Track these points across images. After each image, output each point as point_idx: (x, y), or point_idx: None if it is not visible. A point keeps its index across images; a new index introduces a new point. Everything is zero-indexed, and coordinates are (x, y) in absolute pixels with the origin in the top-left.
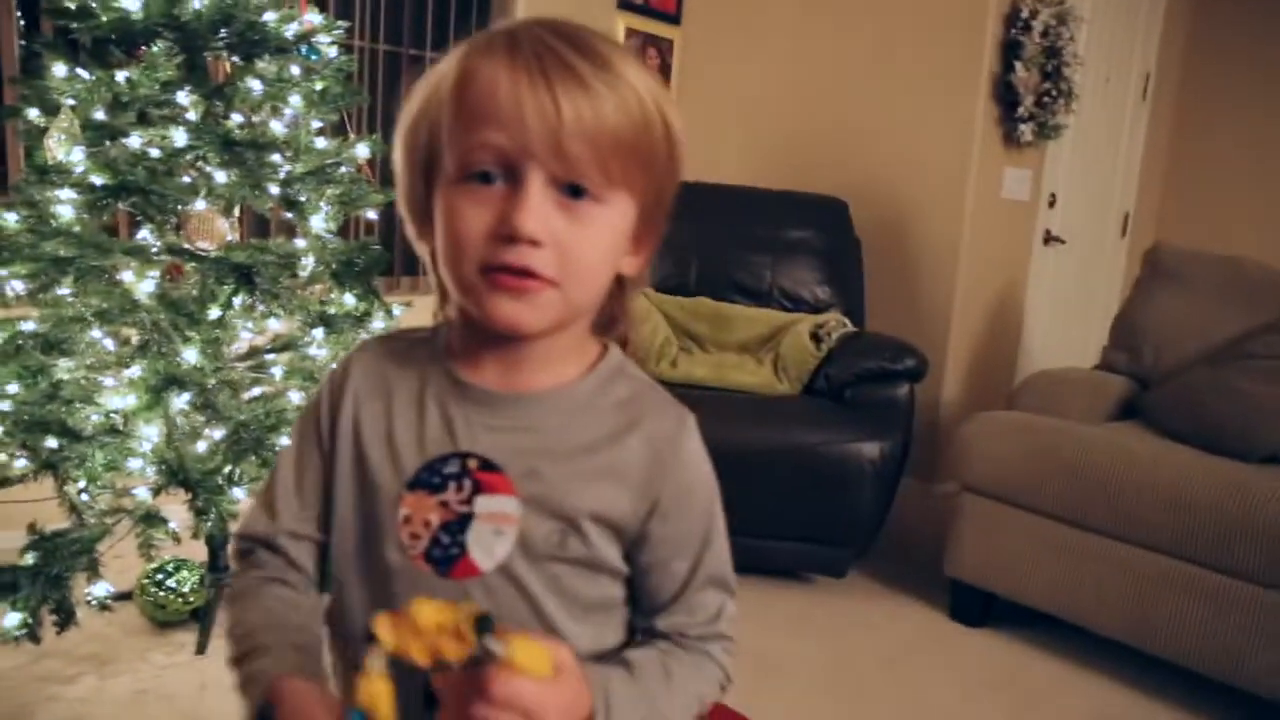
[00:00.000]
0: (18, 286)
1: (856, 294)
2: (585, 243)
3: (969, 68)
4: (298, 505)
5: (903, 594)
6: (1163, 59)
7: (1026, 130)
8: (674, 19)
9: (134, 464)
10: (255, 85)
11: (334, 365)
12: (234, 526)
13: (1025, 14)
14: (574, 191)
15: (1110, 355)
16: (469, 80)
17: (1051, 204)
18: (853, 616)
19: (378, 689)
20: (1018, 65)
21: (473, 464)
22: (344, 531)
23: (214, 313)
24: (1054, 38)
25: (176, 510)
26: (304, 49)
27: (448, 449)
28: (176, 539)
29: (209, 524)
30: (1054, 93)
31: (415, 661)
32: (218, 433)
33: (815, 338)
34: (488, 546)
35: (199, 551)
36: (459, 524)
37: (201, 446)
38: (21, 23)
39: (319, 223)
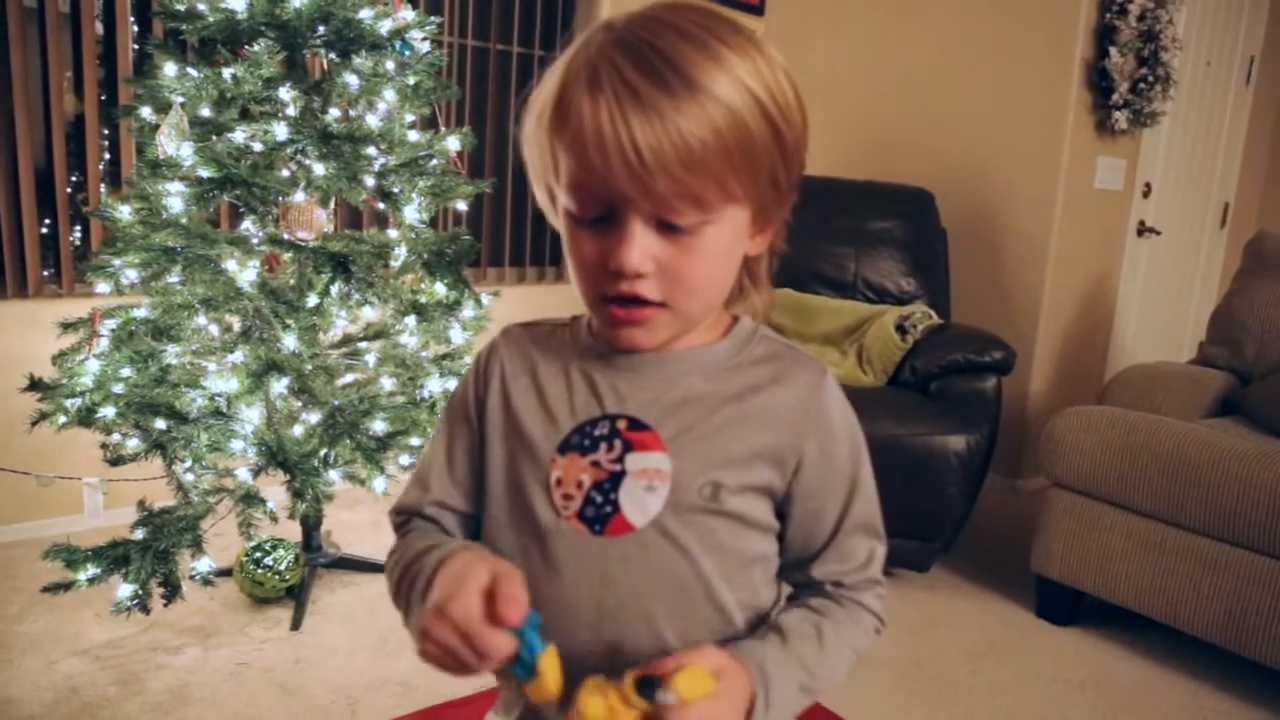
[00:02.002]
0: (131, 275)
1: (942, 286)
2: (691, 266)
3: (1060, 54)
4: (448, 480)
5: (988, 590)
6: (1269, 41)
7: (1121, 118)
8: (758, 10)
9: (236, 445)
10: (352, 80)
11: (477, 353)
12: (327, 508)
13: None
14: (671, 227)
15: (1208, 349)
16: (562, 117)
17: (1146, 194)
18: (937, 612)
19: None
20: (1112, 51)
21: (622, 424)
22: (497, 502)
23: (312, 300)
24: (1151, 21)
25: (274, 491)
26: (398, 45)
27: (596, 413)
28: (274, 518)
29: (304, 505)
30: (1150, 79)
31: None
32: (314, 417)
33: (900, 329)
34: (640, 502)
35: (295, 532)
36: (611, 482)
37: (298, 430)
38: (135, 27)
39: (412, 213)
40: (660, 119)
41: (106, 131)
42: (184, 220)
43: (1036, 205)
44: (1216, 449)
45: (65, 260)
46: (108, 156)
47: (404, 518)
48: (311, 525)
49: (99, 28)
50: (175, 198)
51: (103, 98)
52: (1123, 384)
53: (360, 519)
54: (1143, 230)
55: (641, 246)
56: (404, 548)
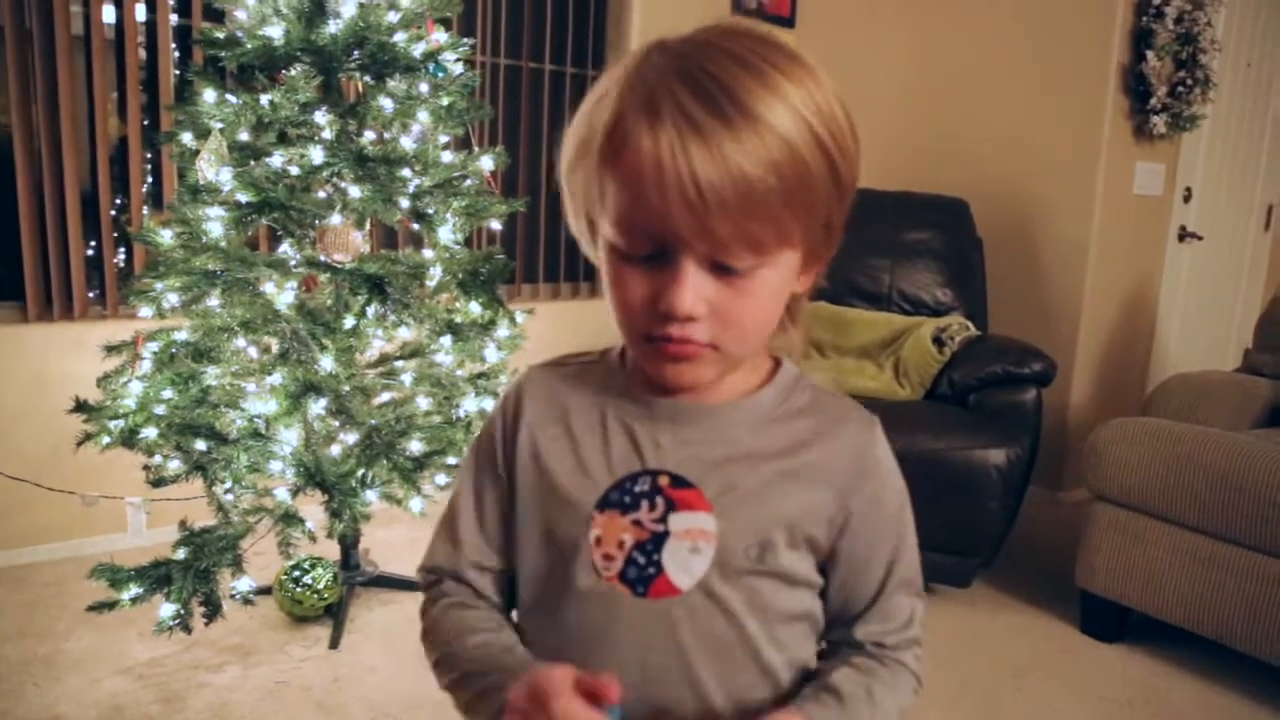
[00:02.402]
0: (173, 299)
1: (979, 296)
2: (743, 309)
3: (1096, 58)
4: (480, 537)
5: (1031, 606)
6: None
7: (1159, 122)
8: (788, 22)
9: (274, 466)
10: (386, 103)
11: (501, 393)
12: (365, 526)
13: (1157, 0)
14: (725, 269)
15: (1255, 357)
16: (617, 148)
17: (1187, 199)
18: (979, 629)
19: None
20: (1149, 54)
21: (664, 481)
22: (530, 558)
23: (349, 321)
24: (1189, 23)
25: (313, 511)
26: (431, 67)
27: (636, 467)
28: (312, 538)
29: (342, 525)
30: (1189, 82)
31: None
32: (351, 437)
33: (937, 341)
34: (685, 564)
35: (333, 551)
36: (654, 543)
37: (336, 450)
38: (176, 53)
39: (446, 233)
40: (721, 155)
41: (149, 155)
42: (223, 244)
43: (1074, 213)
44: (1267, 460)
45: (110, 282)
46: (150, 180)
47: (435, 577)
48: (349, 544)
49: (142, 54)
50: (215, 222)
51: (145, 122)
52: (1166, 394)
53: (398, 537)
54: (1184, 236)
55: (695, 289)
56: (448, 641)
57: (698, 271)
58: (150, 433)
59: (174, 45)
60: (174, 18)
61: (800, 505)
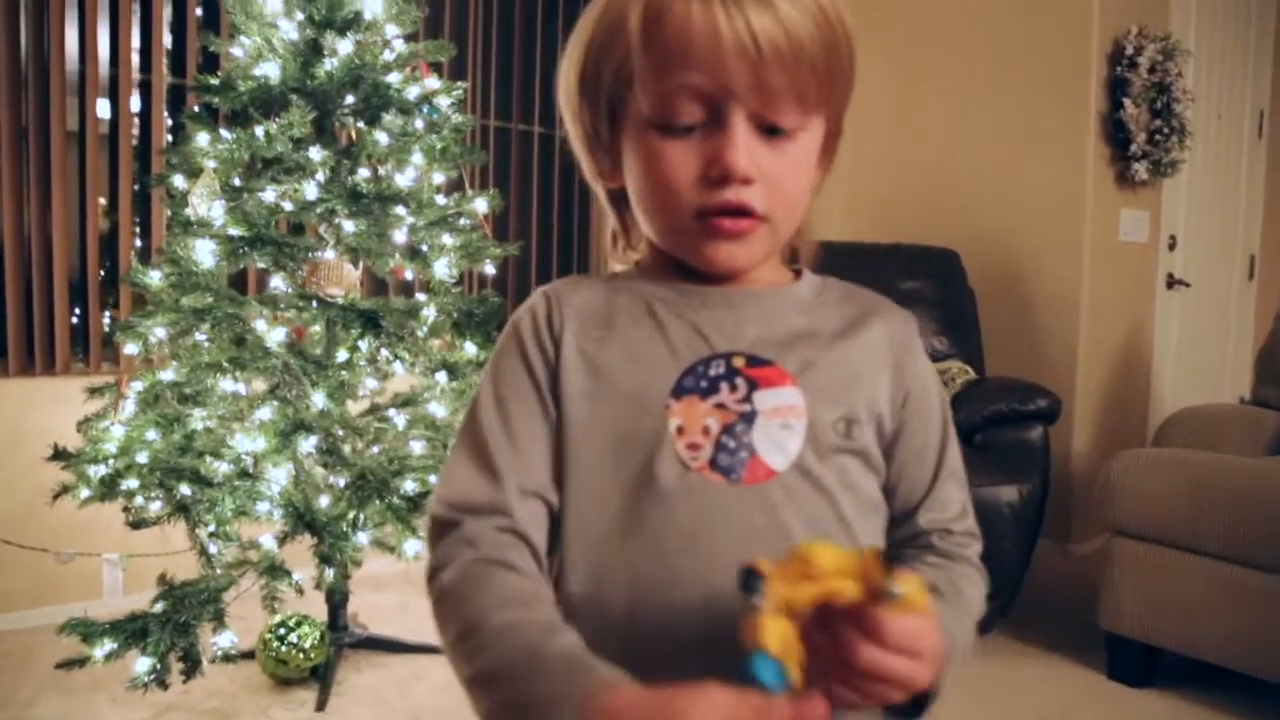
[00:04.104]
0: (159, 333)
1: (974, 344)
2: (789, 173)
3: (1075, 107)
4: (517, 458)
5: (1054, 653)
6: (1276, 95)
7: (1141, 168)
8: None
9: (261, 507)
10: (381, 137)
11: (517, 316)
12: (353, 582)
13: (1130, 50)
14: (772, 131)
15: (1261, 390)
16: (660, 17)
17: (1172, 246)
18: (1001, 677)
19: (784, 628)
20: (1126, 102)
21: (739, 362)
22: (589, 478)
23: (341, 355)
24: (1161, 73)
25: (300, 558)
26: (426, 108)
27: (705, 352)
28: (300, 591)
29: (332, 573)
30: (1166, 130)
31: (798, 605)
32: (341, 480)
33: None
34: (778, 443)
35: (319, 610)
36: (743, 423)
37: (325, 500)
38: (167, 113)
39: (442, 269)
40: (773, 9)
41: (139, 220)
42: (213, 279)
43: (1063, 260)
44: None
45: (94, 338)
46: (138, 241)
47: (455, 516)
48: (338, 603)
49: (135, 135)
50: (205, 255)
51: (137, 219)
52: (1177, 427)
53: (388, 601)
54: (1172, 283)
55: (747, 148)
56: (478, 612)
57: (747, 130)
58: (132, 483)
59: (167, 98)
60: (168, 76)
61: (871, 380)
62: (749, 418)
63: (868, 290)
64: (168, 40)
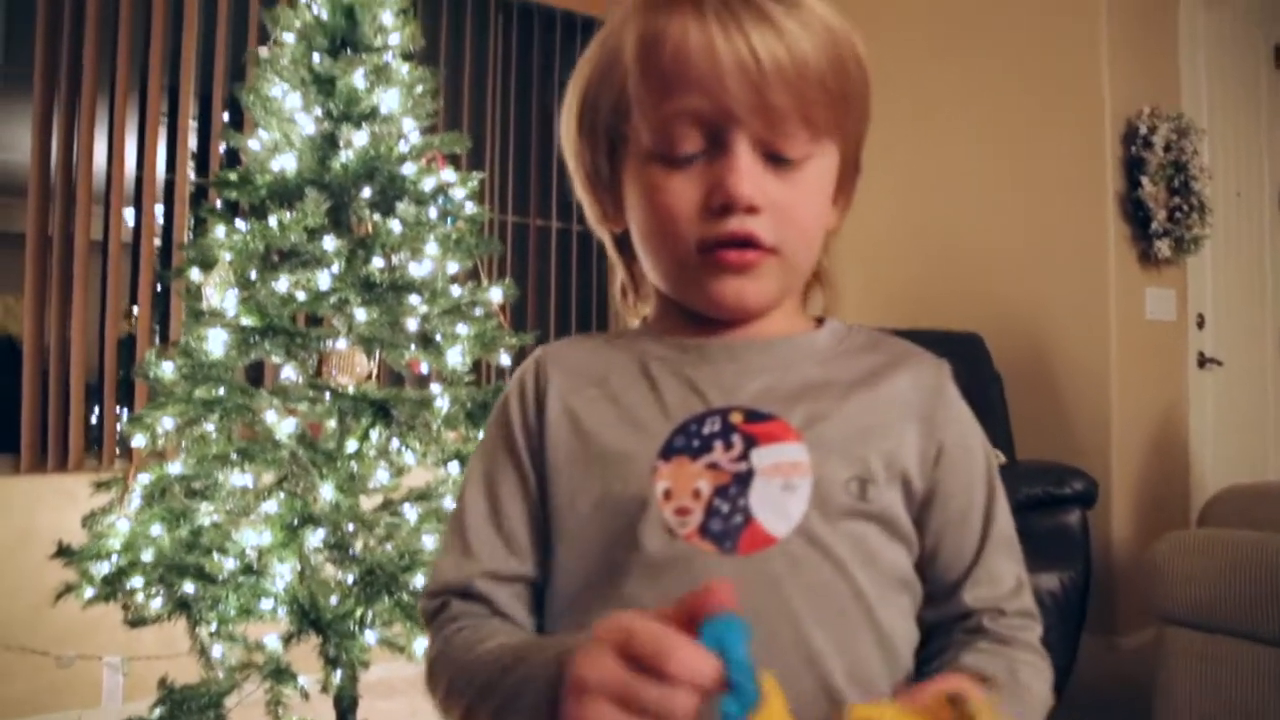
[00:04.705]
0: (167, 424)
1: (1003, 429)
2: (800, 203)
3: (1093, 187)
4: (497, 539)
5: None
6: None
7: (1163, 246)
8: None
9: (266, 604)
10: (395, 226)
11: (511, 378)
12: (362, 687)
13: (1144, 130)
14: (779, 160)
15: None
16: (657, 42)
17: (1200, 324)
18: None
19: None
20: (1144, 180)
21: (736, 418)
22: (577, 545)
23: (351, 445)
24: (1177, 151)
25: (305, 658)
26: (441, 199)
27: (699, 409)
28: (305, 695)
29: (339, 677)
30: (1185, 207)
31: None
32: (349, 577)
33: None
34: (778, 505)
35: (327, 715)
36: (738, 485)
37: (334, 599)
38: (192, 191)
39: (455, 357)
40: (775, 28)
41: (158, 321)
42: (224, 369)
43: (1090, 340)
44: None
45: (108, 436)
46: (157, 340)
47: (440, 600)
48: (346, 708)
49: (157, 244)
50: (217, 345)
51: (156, 286)
52: (1221, 505)
53: (398, 708)
54: (1204, 362)
55: (751, 175)
56: (463, 654)
57: (751, 157)
58: (136, 582)
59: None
60: (192, 177)
61: (893, 434)
62: (745, 478)
63: (901, 339)
64: (193, 143)
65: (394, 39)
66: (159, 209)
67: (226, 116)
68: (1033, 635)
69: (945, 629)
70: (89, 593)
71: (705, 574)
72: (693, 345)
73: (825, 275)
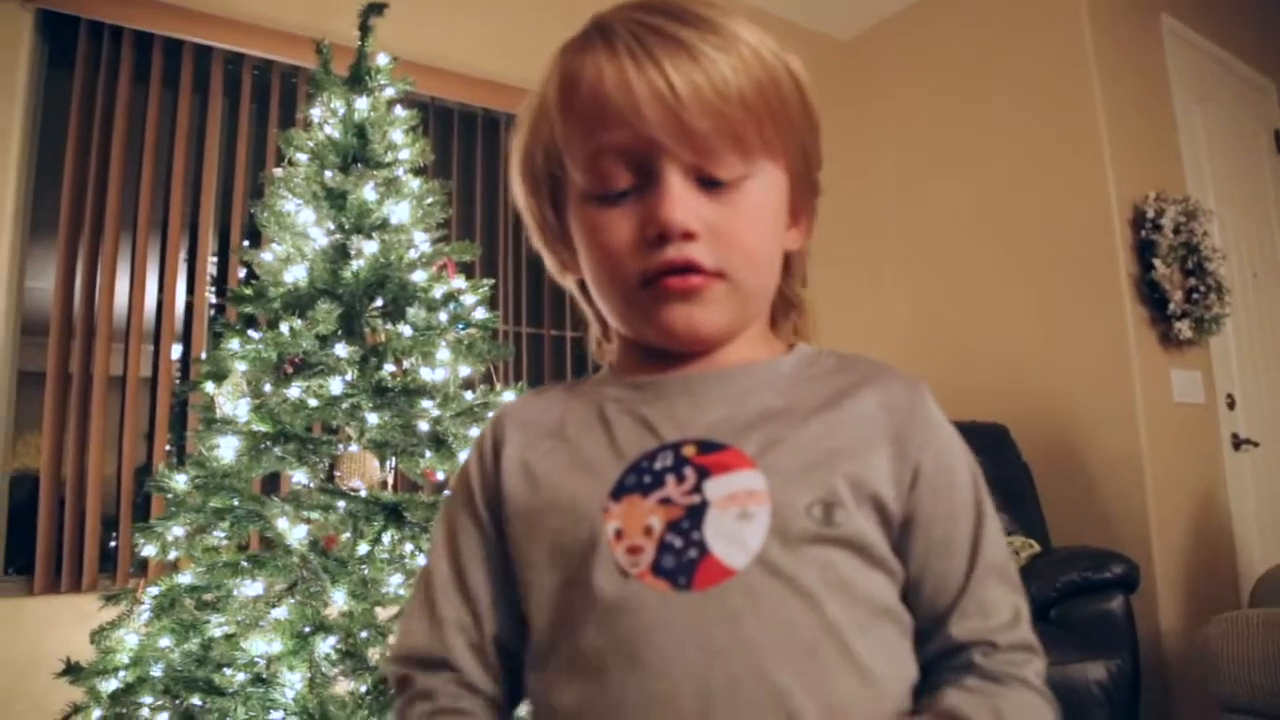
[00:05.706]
0: (178, 531)
1: (1035, 519)
2: (739, 224)
3: (1106, 273)
4: (462, 603)
5: None
6: None
7: (1183, 327)
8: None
9: (275, 716)
10: (405, 330)
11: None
12: None
13: (1151, 213)
14: (712, 183)
15: None
16: (574, 83)
17: (1231, 405)
18: None
19: None
20: (1156, 263)
21: (689, 450)
22: (541, 595)
23: (362, 548)
24: (1187, 234)
25: None
26: (452, 305)
27: (651, 445)
28: None
29: None
30: (1202, 287)
31: None
32: (362, 686)
33: None
34: (734, 535)
35: None
36: (691, 518)
37: (346, 709)
38: (211, 309)
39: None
40: (690, 54)
41: (175, 443)
42: (239, 480)
43: (1119, 425)
44: None
45: (123, 558)
46: (175, 460)
47: (406, 669)
48: None
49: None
50: (228, 450)
51: (172, 403)
52: (1272, 585)
53: None
54: (1239, 443)
55: (683, 202)
56: None
57: (683, 184)
58: (145, 699)
59: (211, 303)
60: (211, 298)
61: (860, 455)
62: (698, 511)
63: (875, 360)
64: (212, 268)
65: (404, 154)
66: (176, 347)
67: (247, 244)
68: (1031, 671)
69: (936, 665)
70: (96, 714)
71: (660, 613)
72: (648, 383)
73: (794, 300)
